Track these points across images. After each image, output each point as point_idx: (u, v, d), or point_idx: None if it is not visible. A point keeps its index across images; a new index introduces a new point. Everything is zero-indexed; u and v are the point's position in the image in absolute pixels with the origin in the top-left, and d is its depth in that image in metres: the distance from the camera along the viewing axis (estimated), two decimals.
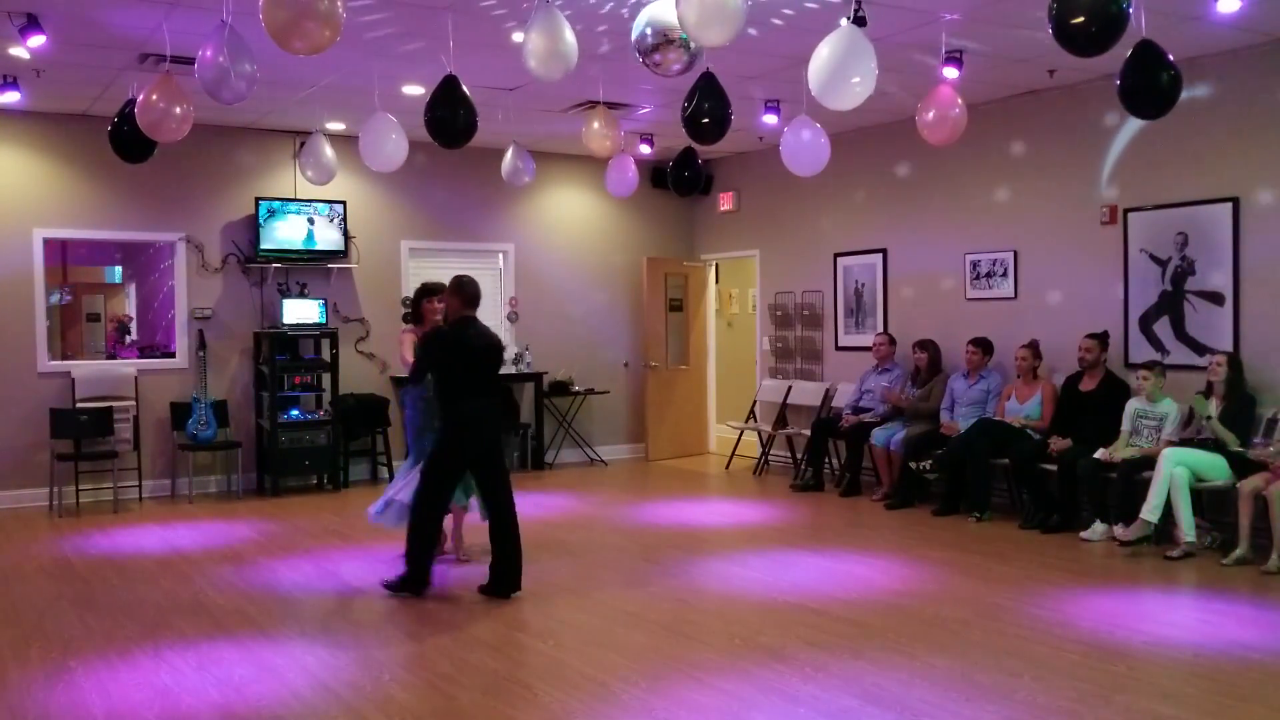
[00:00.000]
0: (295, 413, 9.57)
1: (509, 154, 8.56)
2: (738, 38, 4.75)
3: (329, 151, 8.33)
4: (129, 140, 6.83)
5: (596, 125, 7.41)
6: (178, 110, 6.02)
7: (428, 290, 6.67)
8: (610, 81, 7.89)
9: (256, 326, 9.80)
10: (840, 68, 5.27)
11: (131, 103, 6.83)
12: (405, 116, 7.41)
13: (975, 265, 8.99)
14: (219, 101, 5.36)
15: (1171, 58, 5.28)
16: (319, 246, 9.85)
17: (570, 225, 11.48)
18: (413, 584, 5.94)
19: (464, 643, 5.17)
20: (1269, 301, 7.11)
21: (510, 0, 6.15)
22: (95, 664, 4.84)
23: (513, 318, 11.13)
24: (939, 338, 9.02)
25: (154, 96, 6.01)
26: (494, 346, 6.07)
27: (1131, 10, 4.64)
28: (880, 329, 9.77)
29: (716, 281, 12.54)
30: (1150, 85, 5.26)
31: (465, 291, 5.98)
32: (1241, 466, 6.65)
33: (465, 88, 6.12)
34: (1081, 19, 4.59)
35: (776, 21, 6.55)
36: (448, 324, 6.13)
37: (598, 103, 8.05)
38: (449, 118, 6.09)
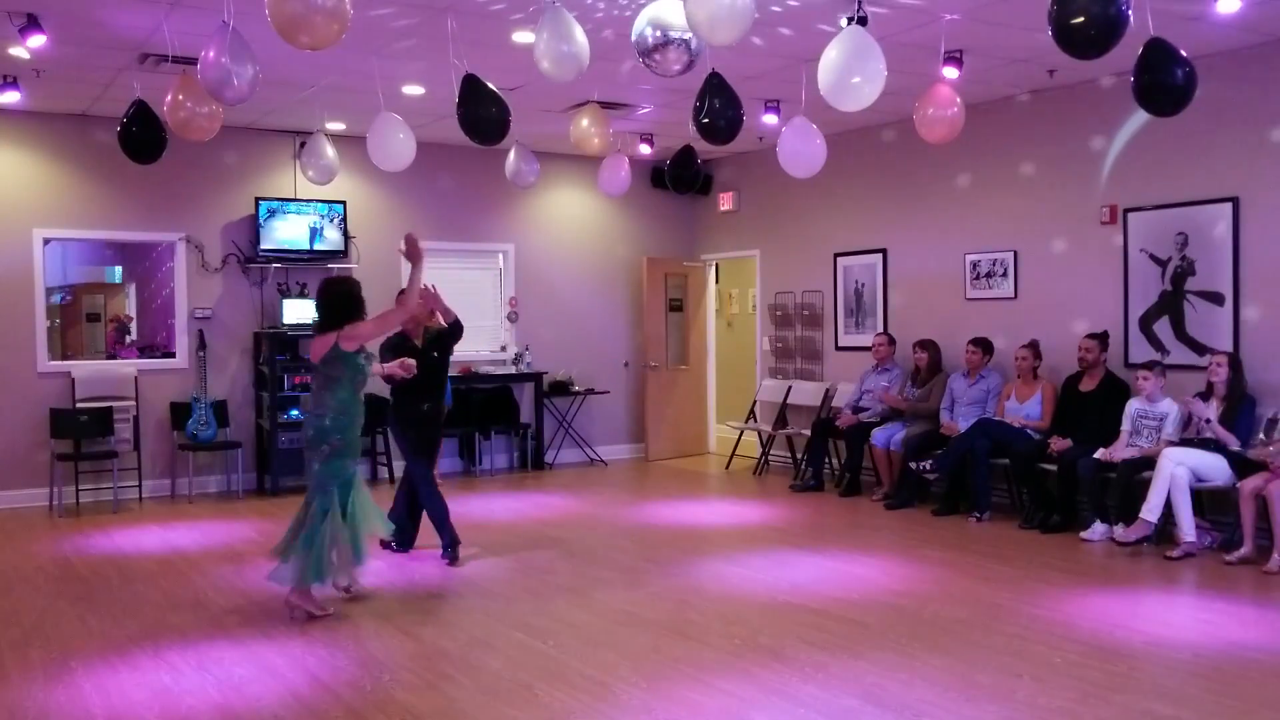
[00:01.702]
0: (295, 413, 9.56)
1: (512, 155, 8.56)
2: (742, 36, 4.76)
3: (330, 151, 8.33)
4: (139, 141, 6.84)
5: (585, 123, 7.40)
6: (207, 109, 6.06)
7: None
8: (610, 81, 7.89)
9: (256, 326, 9.79)
10: (848, 69, 5.28)
11: (137, 103, 6.84)
12: (406, 116, 7.41)
13: (975, 265, 8.99)
14: (221, 101, 5.38)
15: (1185, 53, 5.26)
16: (320, 247, 9.85)
17: (570, 225, 11.48)
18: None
19: (464, 643, 5.17)
20: (1269, 301, 7.11)
21: (510, 1, 6.15)
22: (95, 664, 4.83)
23: (513, 318, 11.13)
24: (939, 338, 9.01)
25: (180, 96, 6.03)
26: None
27: (1133, 11, 4.64)
28: (880, 329, 9.77)
29: (716, 281, 12.54)
30: (1166, 82, 5.25)
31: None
32: (1242, 466, 6.65)
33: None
34: (1081, 20, 4.59)
35: (784, 31, 6.55)
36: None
37: (596, 102, 8.06)
38: (484, 115, 6.09)
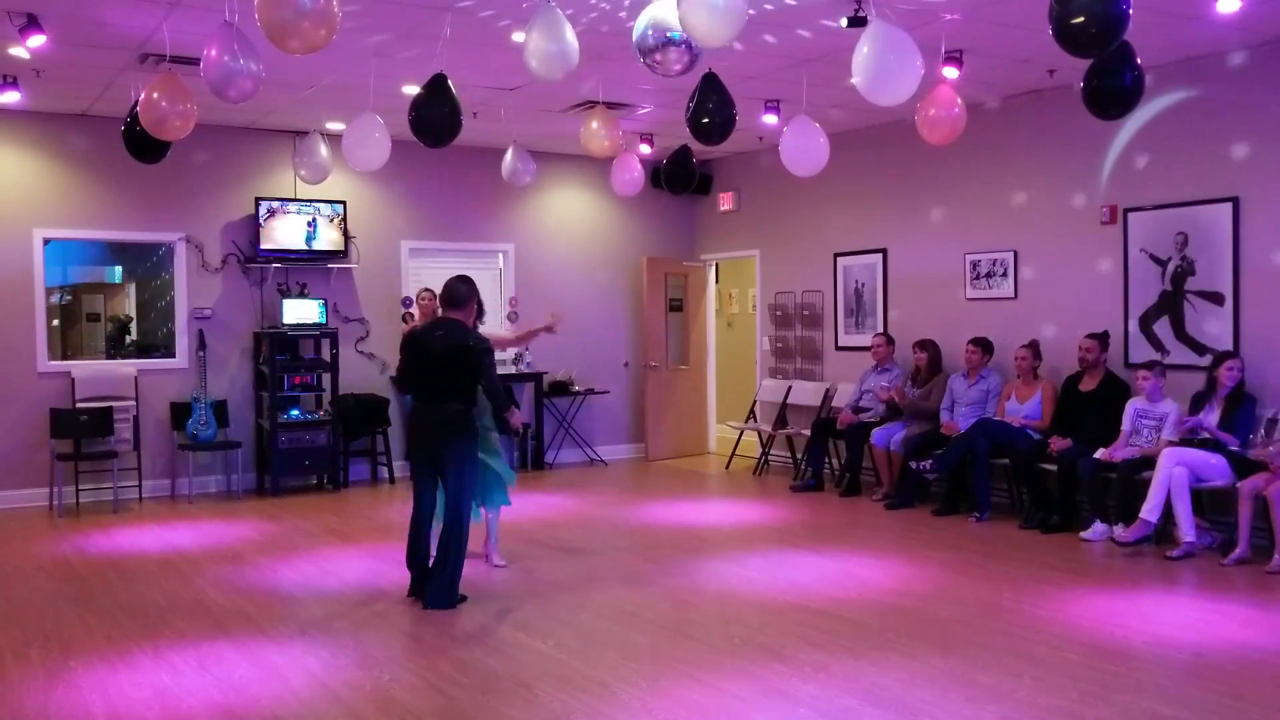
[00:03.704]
0: (295, 413, 9.57)
1: (509, 155, 8.56)
2: (740, 38, 4.76)
3: (324, 151, 8.33)
4: (142, 140, 6.85)
5: (595, 125, 7.41)
6: (180, 108, 6.04)
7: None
8: (610, 81, 7.88)
9: (256, 326, 9.80)
10: (883, 62, 5.27)
11: (139, 103, 6.84)
12: (405, 116, 7.41)
13: (975, 265, 8.99)
14: (224, 100, 5.37)
15: (1139, 60, 5.30)
16: (319, 246, 9.85)
17: (570, 225, 11.48)
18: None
19: (464, 643, 5.17)
20: (1269, 301, 7.11)
21: (509, 0, 6.15)
22: (95, 664, 4.84)
23: (513, 318, 11.13)
24: (939, 338, 9.02)
25: (155, 95, 6.02)
26: (453, 350, 5.69)
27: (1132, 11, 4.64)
28: (880, 329, 9.77)
29: (716, 281, 12.54)
30: (1114, 86, 5.29)
31: (443, 291, 5.94)
32: (1242, 466, 6.65)
33: (454, 86, 6.20)
34: (1082, 19, 4.59)
35: (785, 32, 6.55)
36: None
37: (597, 102, 8.06)
38: (434, 116, 6.12)
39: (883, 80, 5.32)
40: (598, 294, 11.61)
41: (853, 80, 5.37)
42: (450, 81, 6.22)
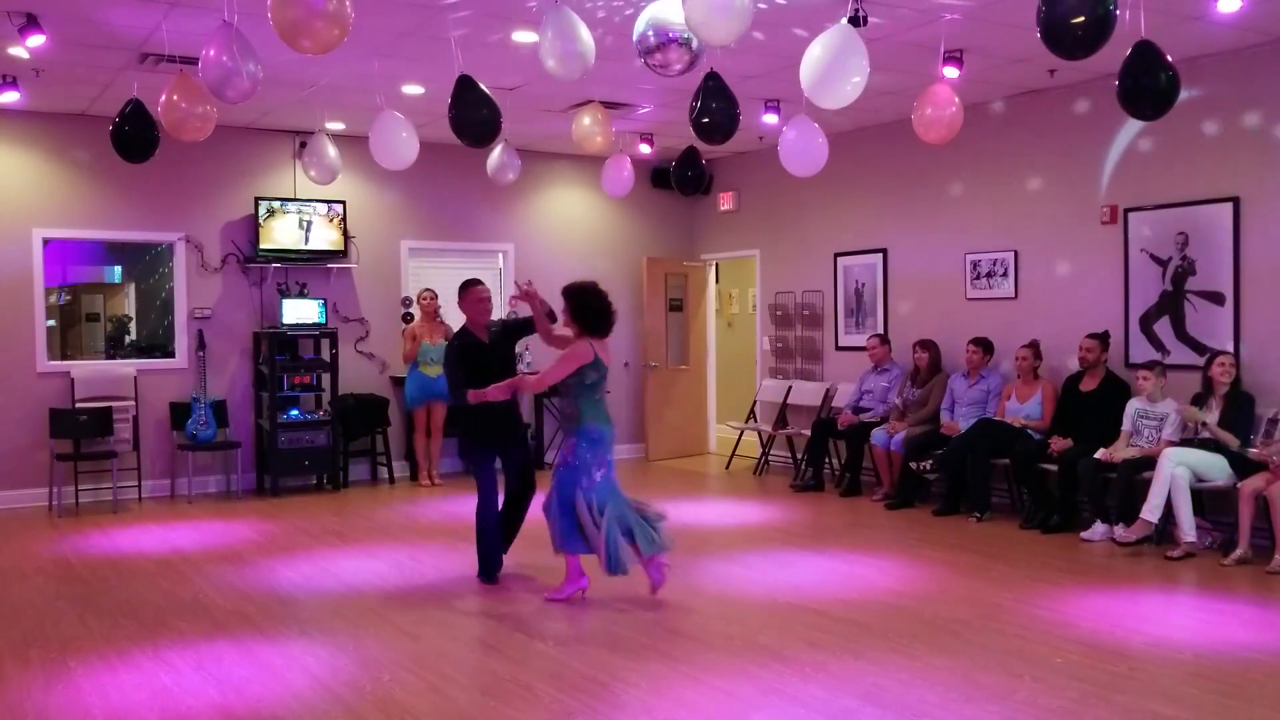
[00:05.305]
0: (295, 413, 9.56)
1: (497, 151, 8.53)
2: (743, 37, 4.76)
3: (332, 151, 8.32)
4: (131, 140, 6.84)
5: (587, 121, 7.40)
6: (200, 110, 6.06)
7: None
8: (611, 81, 7.88)
9: (256, 326, 9.79)
10: (832, 66, 5.29)
11: (132, 102, 6.84)
12: (405, 116, 7.41)
13: (975, 265, 8.99)
14: (223, 100, 5.37)
15: (1170, 58, 5.29)
16: (318, 246, 9.85)
17: (570, 225, 11.48)
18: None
19: (464, 643, 5.17)
20: (1269, 301, 7.11)
21: (510, 1, 6.15)
22: (95, 664, 4.83)
23: (512, 318, 11.11)
24: (939, 338, 9.01)
25: (175, 97, 6.03)
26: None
27: (1123, 11, 4.63)
28: (880, 329, 9.76)
29: (716, 281, 12.54)
30: (1150, 86, 5.28)
31: None
32: (1242, 466, 6.64)
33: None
34: (1069, 20, 4.58)
35: (785, 30, 6.54)
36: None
37: (594, 101, 8.06)
38: (473, 117, 6.11)
39: (823, 85, 5.35)
40: None
41: (802, 81, 5.41)
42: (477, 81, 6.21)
